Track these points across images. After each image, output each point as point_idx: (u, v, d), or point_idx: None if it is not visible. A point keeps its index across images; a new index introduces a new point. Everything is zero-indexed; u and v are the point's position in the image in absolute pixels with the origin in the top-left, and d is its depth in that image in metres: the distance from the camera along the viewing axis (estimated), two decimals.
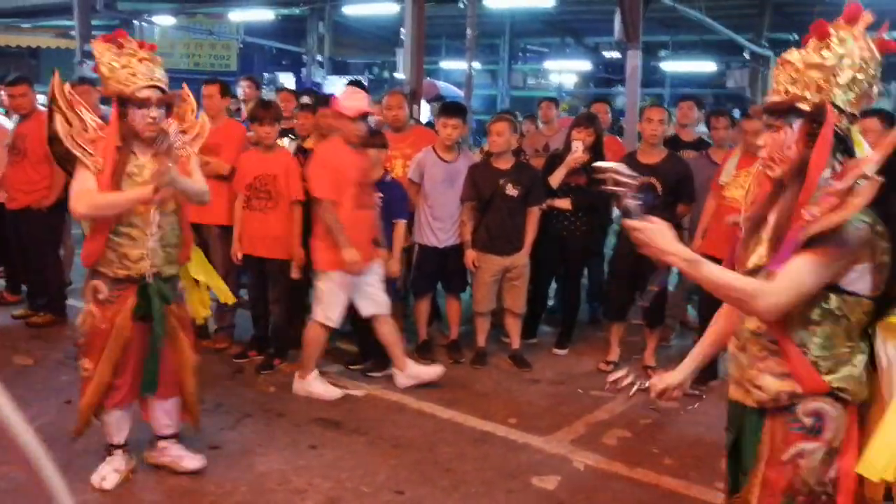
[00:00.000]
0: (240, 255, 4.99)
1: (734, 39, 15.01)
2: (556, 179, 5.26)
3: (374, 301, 4.64)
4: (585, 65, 22.09)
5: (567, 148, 5.31)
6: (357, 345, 5.19)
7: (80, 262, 5.91)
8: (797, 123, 1.96)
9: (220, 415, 4.22)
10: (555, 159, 5.44)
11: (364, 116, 4.53)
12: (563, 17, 17.89)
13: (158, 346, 3.33)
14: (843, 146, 1.98)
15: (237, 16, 17.29)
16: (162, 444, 3.58)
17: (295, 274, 4.93)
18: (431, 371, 4.79)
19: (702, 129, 6.61)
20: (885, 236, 1.89)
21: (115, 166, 3.15)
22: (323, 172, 4.48)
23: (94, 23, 12.60)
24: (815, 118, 1.93)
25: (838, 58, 1.91)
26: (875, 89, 1.99)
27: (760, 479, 2.04)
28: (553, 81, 22.74)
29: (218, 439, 3.90)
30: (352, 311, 5.11)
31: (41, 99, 6.08)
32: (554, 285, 5.95)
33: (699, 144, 6.03)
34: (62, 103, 3.25)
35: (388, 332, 4.67)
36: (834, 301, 1.92)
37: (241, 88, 7.14)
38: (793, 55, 1.98)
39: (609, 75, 21.61)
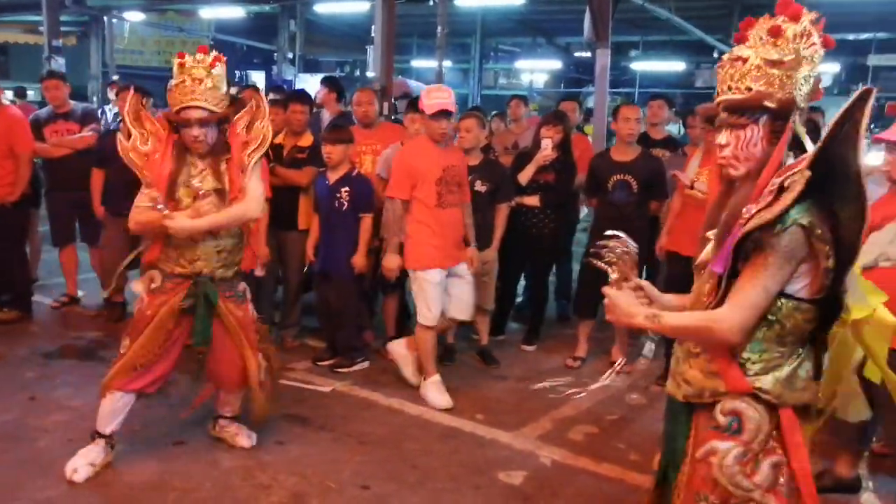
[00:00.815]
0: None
1: (704, 40, 15.17)
2: (524, 177, 5.28)
3: (459, 304, 4.64)
4: (556, 64, 22.22)
5: (536, 145, 5.34)
6: (325, 341, 5.17)
7: (47, 259, 5.83)
8: (763, 120, 1.96)
9: (185, 409, 4.17)
10: (523, 157, 5.46)
11: (446, 113, 4.42)
12: (535, 16, 17.97)
13: (202, 339, 3.48)
14: (798, 142, 1.99)
15: (208, 13, 17.14)
16: (222, 421, 3.85)
17: (259, 272, 4.91)
18: (441, 400, 4.48)
19: (670, 127, 6.68)
20: (826, 239, 1.87)
21: (169, 178, 3.31)
22: (398, 171, 4.51)
23: (62, 18, 12.41)
24: (779, 115, 1.94)
25: (795, 53, 1.92)
26: (821, 84, 2.01)
27: (686, 475, 2.07)
28: (524, 81, 22.84)
29: (183, 435, 3.87)
30: (320, 307, 5.11)
31: (8, 94, 6.00)
32: (523, 282, 5.98)
33: (668, 142, 6.09)
34: (128, 117, 3.38)
35: (425, 341, 4.56)
36: (775, 303, 1.93)
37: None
38: (744, 52, 1.97)
39: (580, 75, 21.74)
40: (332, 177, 4.90)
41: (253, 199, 3.42)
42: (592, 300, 5.17)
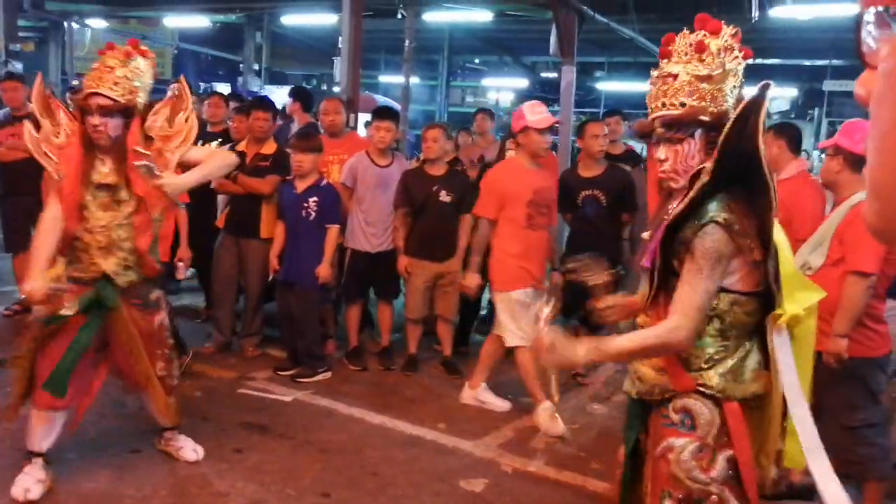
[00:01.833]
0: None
1: None
2: None
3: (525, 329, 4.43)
4: (523, 83, 22.44)
5: (501, 158, 5.36)
6: (286, 351, 5.11)
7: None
8: (698, 134, 2.02)
9: (141, 418, 4.07)
10: (488, 169, 5.47)
11: (551, 129, 4.47)
12: (501, 35, 18.14)
13: (78, 348, 3.23)
14: None
15: (172, 21, 16.98)
16: (167, 434, 3.70)
17: (180, 274, 4.86)
18: (556, 427, 4.29)
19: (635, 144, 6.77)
20: (747, 233, 1.93)
21: (78, 172, 3.14)
22: (488, 191, 4.50)
23: (20, 23, 12.20)
24: (713, 127, 1.99)
25: (721, 67, 1.99)
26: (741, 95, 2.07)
27: (650, 471, 2.10)
28: (490, 99, 23.02)
29: (138, 443, 3.78)
30: (282, 316, 5.05)
31: None
32: (486, 294, 5.98)
33: (629, 157, 6.17)
34: (38, 107, 3.22)
35: (528, 362, 4.38)
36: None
37: (172, 91, 6.98)
38: (673, 68, 2.02)
39: (545, 94, 21.96)
40: (301, 186, 4.85)
41: (221, 154, 3.43)
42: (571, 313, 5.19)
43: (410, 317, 5.21)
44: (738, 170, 1.92)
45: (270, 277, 5.08)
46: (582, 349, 2.05)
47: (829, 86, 17.18)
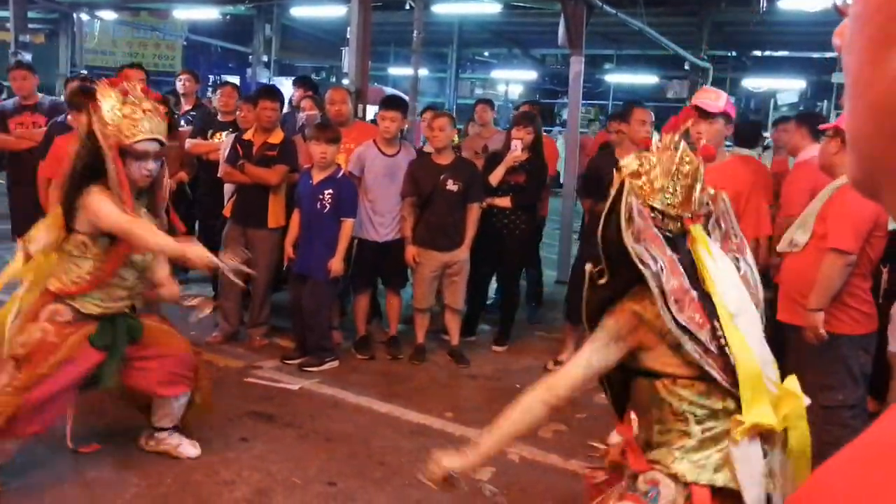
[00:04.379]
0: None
1: (677, 53, 15.35)
2: (495, 178, 5.27)
3: None
4: (531, 75, 22.35)
5: (507, 147, 5.33)
6: (294, 340, 5.10)
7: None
8: None
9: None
10: (495, 159, 5.45)
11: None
12: (510, 27, 18.08)
13: (110, 384, 3.29)
14: (674, 246, 2.07)
15: (182, 13, 16.97)
16: (160, 434, 3.57)
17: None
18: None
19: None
20: (658, 320, 1.96)
21: (132, 211, 3.15)
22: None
23: (30, 15, 12.20)
24: None
25: (649, 165, 2.04)
26: (697, 194, 2.08)
27: None
28: (500, 91, 22.95)
29: (145, 431, 3.76)
30: (293, 307, 5.03)
31: None
32: (494, 283, 5.96)
33: None
34: (105, 142, 3.06)
35: None
36: (656, 383, 2.00)
37: (181, 82, 7.00)
38: (622, 165, 2.08)
39: (554, 86, 21.91)
40: (317, 177, 4.82)
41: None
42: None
43: (418, 306, 5.19)
44: (619, 262, 1.98)
45: (285, 266, 5.07)
46: (456, 461, 2.09)
47: (837, 78, 17.06)
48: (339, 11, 13.28)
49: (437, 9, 13.52)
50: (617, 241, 1.93)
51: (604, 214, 1.98)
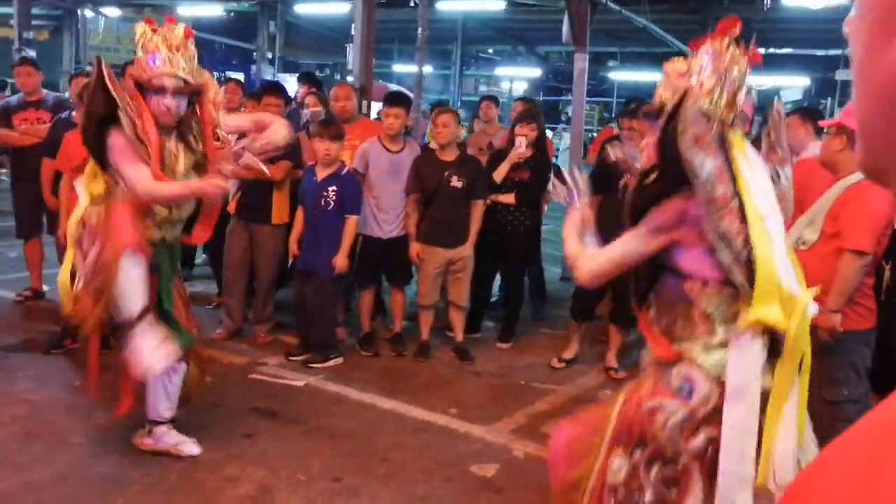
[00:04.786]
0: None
1: (682, 50, 15.32)
2: (499, 174, 5.26)
3: None
4: (536, 72, 22.34)
5: (511, 144, 5.32)
6: (298, 337, 5.09)
7: (9, 253, 5.62)
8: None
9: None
10: (499, 156, 5.44)
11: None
12: (515, 24, 18.07)
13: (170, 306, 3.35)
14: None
15: (186, 10, 16.98)
16: (159, 430, 3.48)
17: None
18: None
19: None
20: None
21: (159, 154, 3.15)
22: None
23: (34, 11, 12.22)
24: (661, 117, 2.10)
25: (700, 66, 2.09)
26: (742, 98, 2.12)
27: (620, 417, 2.15)
28: (504, 88, 22.93)
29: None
30: (297, 303, 5.02)
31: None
32: (498, 280, 5.95)
33: None
34: (117, 92, 3.07)
35: None
36: (686, 284, 2.08)
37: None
38: (668, 66, 2.17)
39: (559, 83, 21.89)
40: (322, 173, 4.81)
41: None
42: (590, 303, 5.15)
43: (422, 303, 5.18)
44: (673, 168, 2.04)
45: (290, 263, 5.06)
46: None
47: (841, 75, 17.03)
48: (342, 8, 13.30)
49: (441, 6, 13.54)
50: (672, 146, 1.98)
51: (663, 120, 2.03)
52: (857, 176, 3.23)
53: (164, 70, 3.12)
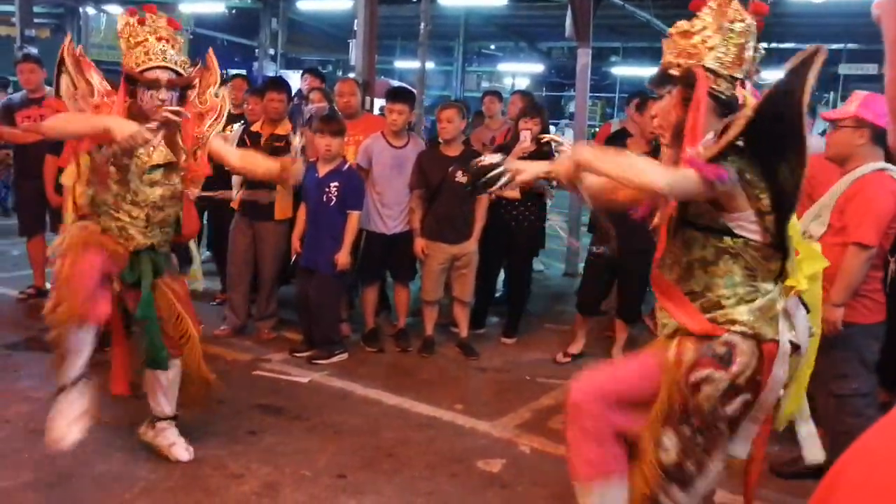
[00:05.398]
0: None
1: None
2: None
3: None
4: (538, 68, 22.30)
5: (515, 139, 5.30)
6: (302, 333, 5.08)
7: (4, 248, 5.62)
8: (674, 89, 2.11)
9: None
10: (503, 150, 5.40)
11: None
12: (517, 20, 18.05)
13: (149, 316, 3.23)
14: (727, 108, 2.10)
15: (188, 7, 16.96)
16: (161, 424, 3.46)
17: None
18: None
19: None
20: (757, 184, 2.02)
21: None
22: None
23: (35, 9, 12.21)
24: (687, 82, 2.06)
25: (703, 25, 2.06)
26: (749, 53, 2.09)
27: (665, 396, 2.12)
28: (506, 84, 22.91)
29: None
30: (299, 300, 5.01)
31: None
32: (502, 275, 5.93)
33: None
34: (70, 65, 3.12)
35: None
36: (728, 241, 2.07)
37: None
38: (672, 28, 2.13)
39: (561, 79, 21.85)
40: (323, 169, 4.79)
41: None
42: (596, 297, 5.13)
43: (426, 299, 5.17)
44: (773, 128, 1.95)
45: (292, 260, 5.04)
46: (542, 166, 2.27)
47: (844, 69, 17.01)
48: (345, 5, 13.28)
49: (443, 2, 13.51)
50: (795, 105, 1.92)
51: (786, 73, 1.95)
52: (863, 170, 3.21)
53: (156, 62, 3.05)
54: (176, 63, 3.10)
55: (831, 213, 3.26)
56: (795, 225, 2.12)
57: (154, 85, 3.04)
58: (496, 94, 7.18)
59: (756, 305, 2.08)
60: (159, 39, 3.06)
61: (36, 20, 11.92)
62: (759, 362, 2.05)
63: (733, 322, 2.07)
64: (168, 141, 3.18)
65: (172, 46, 3.10)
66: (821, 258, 2.23)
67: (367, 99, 7.37)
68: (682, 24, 2.08)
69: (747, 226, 2.06)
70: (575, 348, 5.14)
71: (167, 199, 3.26)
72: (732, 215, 2.06)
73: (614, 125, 7.15)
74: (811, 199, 3.45)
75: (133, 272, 3.22)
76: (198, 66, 3.35)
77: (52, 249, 3.23)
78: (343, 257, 4.76)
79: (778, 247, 2.09)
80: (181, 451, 3.45)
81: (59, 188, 5.15)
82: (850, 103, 3.31)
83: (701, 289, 2.14)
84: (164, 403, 3.45)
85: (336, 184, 4.74)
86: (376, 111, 9.02)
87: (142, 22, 3.07)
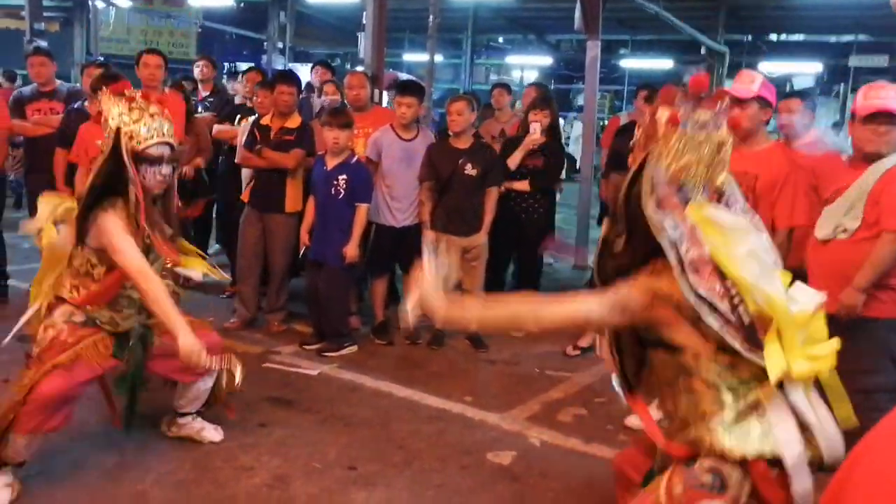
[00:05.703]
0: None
1: (694, 37, 15.19)
2: (513, 161, 5.23)
3: None
4: (547, 61, 22.19)
5: (525, 131, 5.29)
6: (312, 325, 5.09)
7: (15, 241, 5.63)
8: None
9: (165, 392, 4.07)
10: (512, 143, 5.41)
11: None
12: (526, 13, 17.97)
13: (136, 380, 3.28)
14: None
15: (196, 1, 16.96)
16: (182, 420, 3.55)
17: None
18: None
19: None
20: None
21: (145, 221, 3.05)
22: None
23: (45, 3, 12.22)
24: None
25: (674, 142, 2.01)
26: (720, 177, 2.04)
27: None
28: (515, 77, 22.84)
29: (162, 417, 3.76)
30: (309, 293, 5.02)
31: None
32: (512, 268, 5.93)
33: None
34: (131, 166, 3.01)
35: None
36: (681, 360, 1.95)
37: (199, 68, 6.98)
38: (654, 109, 2.12)
39: (570, 72, 21.75)
40: (331, 162, 4.79)
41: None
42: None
43: None
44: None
45: (301, 253, 5.05)
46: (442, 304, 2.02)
47: (854, 61, 16.87)
48: None
49: None
50: (637, 209, 1.91)
51: (626, 182, 1.96)
52: (892, 159, 3.17)
53: (159, 139, 3.07)
54: (172, 137, 3.14)
55: (864, 207, 3.18)
56: (774, 303, 1.87)
57: (158, 161, 3.07)
58: (505, 86, 7.17)
59: (730, 426, 1.90)
60: (152, 116, 3.07)
61: (45, 14, 11.91)
62: (753, 485, 1.89)
63: (707, 443, 1.92)
64: (164, 214, 3.24)
65: (164, 120, 3.12)
66: (823, 329, 2.00)
67: (377, 92, 7.36)
68: (664, 115, 2.05)
69: (687, 336, 1.94)
70: (584, 341, 5.13)
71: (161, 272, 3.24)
72: (668, 329, 1.97)
73: (623, 118, 7.12)
74: (820, 197, 3.42)
75: (119, 352, 3.17)
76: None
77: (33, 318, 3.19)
78: (351, 250, 4.76)
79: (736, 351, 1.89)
80: (212, 433, 3.55)
81: (69, 181, 5.18)
82: None
83: (667, 413, 2.05)
84: (191, 406, 3.53)
85: (344, 177, 4.74)
86: (385, 104, 9.01)
87: (130, 100, 3.05)
